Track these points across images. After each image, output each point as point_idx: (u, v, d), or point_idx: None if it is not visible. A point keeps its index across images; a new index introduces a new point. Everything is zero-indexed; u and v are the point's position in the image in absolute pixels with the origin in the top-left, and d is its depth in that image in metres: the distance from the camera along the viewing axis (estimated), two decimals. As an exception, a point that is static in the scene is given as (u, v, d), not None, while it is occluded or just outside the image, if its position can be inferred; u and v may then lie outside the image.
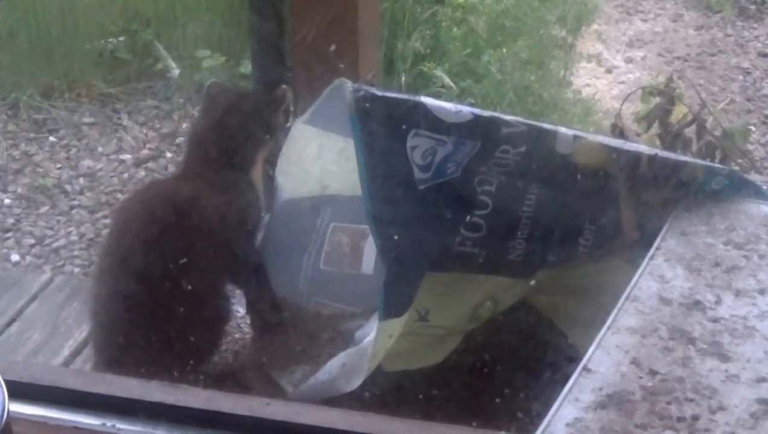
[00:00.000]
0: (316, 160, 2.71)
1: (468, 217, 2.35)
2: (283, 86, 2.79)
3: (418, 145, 2.32)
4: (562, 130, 2.41)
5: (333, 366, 2.44)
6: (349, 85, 2.36)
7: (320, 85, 2.64)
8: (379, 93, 2.38)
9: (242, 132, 2.72)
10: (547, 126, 2.41)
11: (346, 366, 2.40)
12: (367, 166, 2.31)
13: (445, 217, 2.36)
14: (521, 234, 2.38)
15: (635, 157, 2.42)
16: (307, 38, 2.95)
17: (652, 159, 2.44)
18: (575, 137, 2.40)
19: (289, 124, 2.86)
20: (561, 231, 2.42)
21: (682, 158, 2.53)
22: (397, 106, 2.38)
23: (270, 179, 2.86)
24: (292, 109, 3.04)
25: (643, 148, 2.49)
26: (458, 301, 2.47)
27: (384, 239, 2.31)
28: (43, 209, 4.02)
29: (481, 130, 2.36)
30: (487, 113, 2.41)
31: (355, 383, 2.33)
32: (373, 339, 2.31)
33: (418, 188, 2.33)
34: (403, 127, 2.33)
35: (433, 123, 2.34)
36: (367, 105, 2.33)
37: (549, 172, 2.37)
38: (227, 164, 2.71)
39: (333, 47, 2.88)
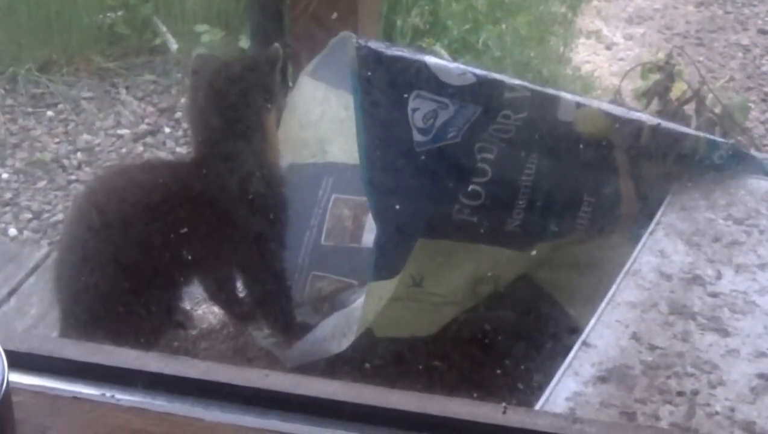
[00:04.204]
0: (318, 122, 2.69)
1: (467, 185, 2.33)
2: (276, 44, 2.64)
3: (420, 108, 2.30)
4: (565, 96, 2.39)
5: (323, 328, 2.44)
6: (353, 39, 2.34)
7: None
8: (383, 50, 2.36)
9: (241, 100, 2.54)
10: (550, 91, 2.40)
11: (336, 327, 2.40)
12: (365, 125, 2.29)
13: (443, 183, 2.35)
14: (520, 204, 2.37)
15: (638, 127, 2.41)
16: (307, 12, 2.94)
17: (654, 129, 2.43)
18: (578, 104, 2.39)
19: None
20: (560, 201, 2.41)
21: (685, 130, 2.52)
22: (400, 65, 2.35)
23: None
24: (291, 84, 3.03)
25: (646, 118, 2.48)
26: (456, 270, 2.45)
27: (379, 201, 2.29)
28: (41, 184, 4.01)
29: (484, 94, 2.34)
30: (491, 75, 2.39)
31: (345, 344, 2.33)
32: (363, 300, 2.31)
33: (416, 151, 2.30)
34: (406, 87, 2.30)
35: (436, 85, 2.32)
36: (370, 63, 2.31)
37: (550, 140, 2.36)
38: (232, 138, 2.54)
39: (333, 17, 2.86)
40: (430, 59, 2.36)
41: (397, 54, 2.38)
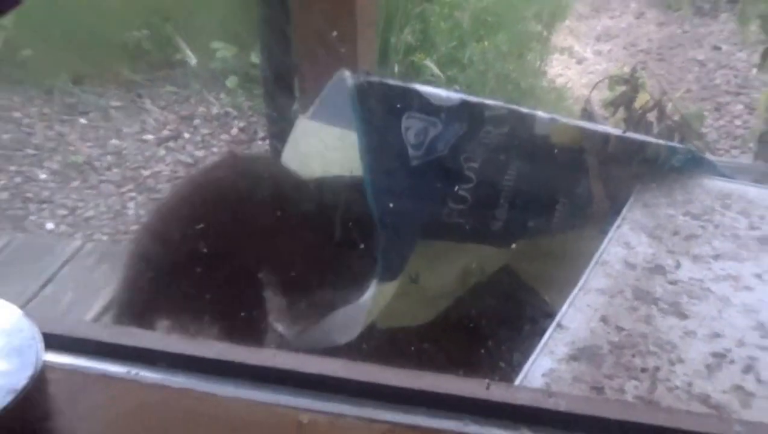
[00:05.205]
0: (317, 155, 2.68)
1: (455, 191, 2.34)
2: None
3: (412, 126, 2.32)
4: (540, 113, 2.40)
5: (332, 319, 2.43)
6: (349, 75, 2.35)
7: (323, 72, 2.62)
8: (376, 80, 2.38)
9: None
10: (525, 110, 2.41)
11: (344, 320, 2.39)
12: (366, 144, 2.30)
13: (434, 190, 2.36)
14: (502, 206, 2.38)
15: (605, 137, 2.42)
16: (310, 32, 2.94)
17: (620, 138, 2.45)
18: (552, 119, 2.40)
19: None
20: (538, 203, 2.41)
21: (647, 138, 2.52)
22: (393, 91, 2.37)
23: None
24: (297, 95, 3.03)
25: (612, 130, 2.49)
26: (446, 267, 2.46)
27: (382, 209, 2.29)
28: (75, 183, 4.01)
29: (468, 113, 2.36)
30: (473, 98, 2.41)
31: (351, 336, 2.33)
32: (370, 298, 2.31)
33: (411, 164, 2.32)
34: (398, 109, 2.32)
35: (425, 106, 2.34)
36: (367, 91, 2.32)
37: (528, 150, 2.37)
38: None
39: (333, 36, 2.86)
40: (420, 86, 2.38)
41: (389, 83, 2.40)
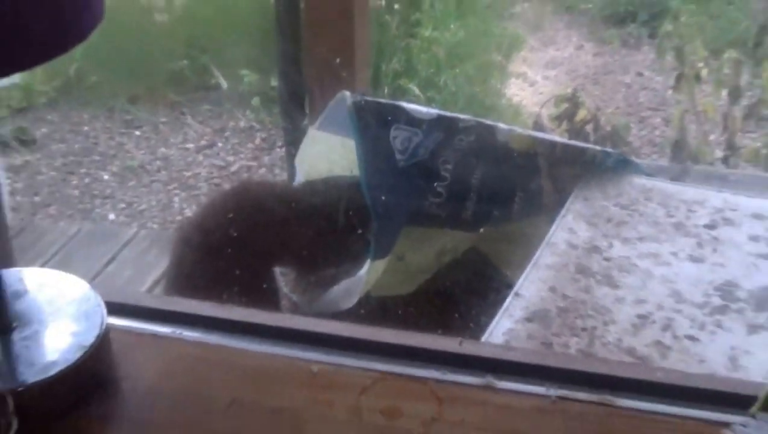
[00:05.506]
0: (324, 159, 2.67)
1: (433, 187, 2.34)
2: None
3: (398, 136, 2.32)
4: (501, 125, 2.40)
5: (337, 289, 2.43)
6: (349, 95, 2.35)
7: (327, 93, 2.61)
8: (370, 99, 2.38)
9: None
10: (489, 122, 2.41)
11: (344, 291, 2.39)
12: (362, 150, 2.30)
13: (417, 186, 2.35)
14: (471, 199, 2.37)
15: (553, 144, 2.42)
16: (318, 59, 2.94)
17: (564, 145, 2.45)
18: (510, 130, 2.40)
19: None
20: (499, 196, 2.40)
21: (585, 145, 2.52)
22: (383, 108, 2.37)
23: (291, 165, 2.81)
24: (307, 112, 3.03)
25: (558, 138, 2.49)
26: (426, 247, 2.46)
27: (375, 201, 2.29)
28: (131, 183, 4.00)
29: (443, 125, 2.35)
30: (447, 114, 2.41)
31: (352, 302, 2.32)
32: (365, 273, 2.30)
33: (398, 166, 2.31)
34: (388, 122, 2.32)
35: (409, 120, 2.33)
36: (362, 108, 2.32)
37: (491, 154, 2.36)
38: None
39: (337, 62, 2.86)
40: (405, 104, 2.38)
41: (380, 101, 2.41)
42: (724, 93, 3.69)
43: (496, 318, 1.81)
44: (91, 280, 1.19)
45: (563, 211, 2.19)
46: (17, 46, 0.87)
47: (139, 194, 3.94)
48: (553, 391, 1.10)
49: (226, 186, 3.90)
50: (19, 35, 0.87)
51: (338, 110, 2.43)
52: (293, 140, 3.09)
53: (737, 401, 1.03)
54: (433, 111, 2.39)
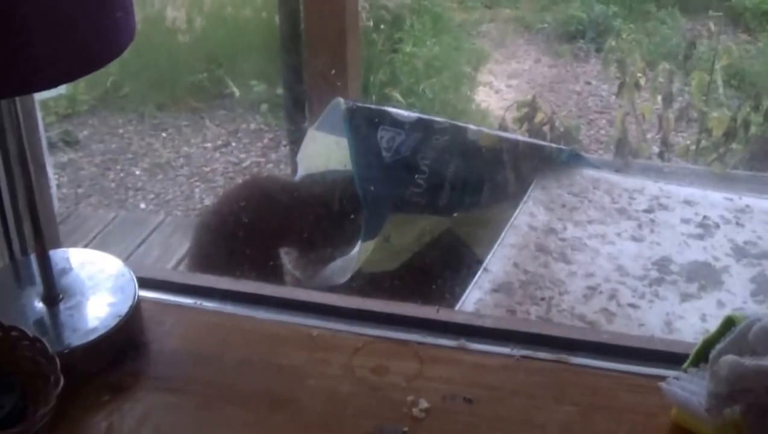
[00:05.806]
0: (322, 155, 2.67)
1: (414, 179, 2.33)
2: None
3: (385, 135, 2.31)
4: (471, 126, 2.40)
5: (333, 266, 2.42)
6: (343, 101, 2.35)
7: (324, 100, 2.60)
8: (361, 104, 2.38)
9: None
10: (461, 124, 2.41)
11: (340, 267, 2.38)
12: (354, 148, 2.29)
13: (401, 179, 2.34)
14: (446, 189, 2.36)
15: (516, 142, 2.42)
16: (316, 71, 2.94)
17: (525, 143, 2.44)
18: (479, 130, 2.40)
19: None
20: (470, 186, 2.40)
21: (543, 143, 2.52)
22: (371, 112, 2.37)
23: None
24: (307, 115, 3.02)
25: (520, 137, 2.49)
26: (409, 230, 2.44)
27: (365, 191, 2.28)
28: (159, 177, 3.98)
29: (422, 127, 2.34)
30: (426, 117, 2.41)
31: (346, 277, 2.31)
32: (357, 252, 2.30)
33: (384, 161, 2.31)
34: (375, 124, 2.32)
35: (394, 122, 2.33)
36: (354, 112, 2.32)
37: (463, 151, 2.36)
38: None
39: (332, 76, 2.86)
40: (390, 108, 2.39)
41: (369, 106, 2.42)
42: (659, 98, 3.70)
43: (468, 289, 1.81)
44: (125, 259, 1.19)
45: (525, 198, 2.19)
46: (69, 61, 0.91)
47: (166, 186, 3.92)
48: (517, 351, 1.10)
49: (239, 179, 3.88)
50: (70, 53, 0.91)
51: (334, 114, 2.43)
52: (295, 140, 3.09)
53: (671, 358, 1.04)
54: (414, 114, 2.39)
